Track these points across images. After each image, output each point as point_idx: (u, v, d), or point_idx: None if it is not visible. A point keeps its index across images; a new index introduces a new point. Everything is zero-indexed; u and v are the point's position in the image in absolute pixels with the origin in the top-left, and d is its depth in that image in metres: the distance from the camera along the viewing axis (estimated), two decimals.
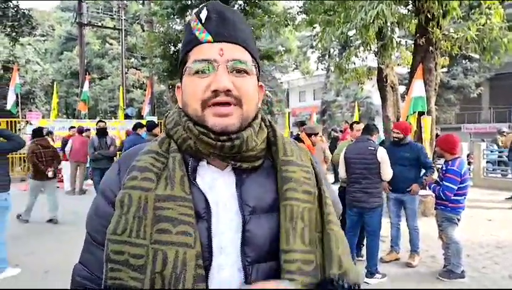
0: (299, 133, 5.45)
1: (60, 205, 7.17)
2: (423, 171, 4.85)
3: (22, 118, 13.38)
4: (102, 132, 8.78)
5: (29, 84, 23.72)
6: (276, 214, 0.79)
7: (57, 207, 7.01)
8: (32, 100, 24.28)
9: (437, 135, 8.16)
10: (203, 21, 0.81)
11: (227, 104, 0.78)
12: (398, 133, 4.81)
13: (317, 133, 4.99)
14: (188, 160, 0.81)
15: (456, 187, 4.12)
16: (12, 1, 13.90)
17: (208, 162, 0.82)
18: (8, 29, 14.24)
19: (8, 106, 13.29)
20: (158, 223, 0.73)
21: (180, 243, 0.71)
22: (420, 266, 4.72)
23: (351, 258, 0.83)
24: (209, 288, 0.74)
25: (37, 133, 7.07)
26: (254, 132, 0.82)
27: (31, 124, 12.36)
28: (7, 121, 12.13)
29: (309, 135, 4.92)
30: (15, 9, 14.08)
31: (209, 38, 0.79)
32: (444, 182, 4.17)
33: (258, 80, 0.87)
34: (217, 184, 0.81)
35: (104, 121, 9.56)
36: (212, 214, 0.77)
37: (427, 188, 4.53)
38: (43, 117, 14.73)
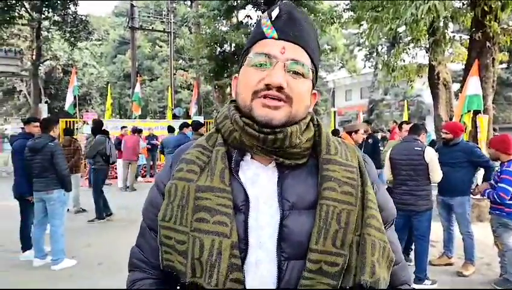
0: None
1: (113, 201, 7.60)
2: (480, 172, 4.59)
3: (80, 118, 14.23)
4: (94, 130, 8.02)
5: (86, 86, 25.24)
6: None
7: (75, 200, 7.69)
8: (88, 101, 25.83)
9: (494, 135, 7.67)
10: (273, 18, 0.83)
11: (277, 99, 0.79)
12: (446, 133, 4.59)
13: (358, 130, 4.80)
14: (232, 153, 0.84)
15: None
16: (71, 8, 14.84)
17: (252, 157, 0.84)
18: (68, 35, 15.24)
19: (66, 107, 14.19)
20: (197, 213, 0.77)
21: (216, 232, 0.74)
22: (474, 273, 4.46)
23: (388, 268, 0.80)
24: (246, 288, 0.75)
25: (65, 132, 7.79)
26: (299, 129, 0.82)
27: (87, 124, 13.13)
28: (66, 121, 12.96)
29: (349, 133, 4.75)
30: (73, 16, 15.04)
31: (275, 34, 0.82)
32: (499, 184, 3.91)
33: (314, 86, 0.88)
34: (260, 179, 0.82)
35: (97, 120, 8.45)
36: (251, 207, 0.79)
37: (484, 195, 4.24)
38: (98, 117, 15.59)
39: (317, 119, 0.91)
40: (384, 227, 0.84)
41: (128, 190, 10.61)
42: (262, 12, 14.72)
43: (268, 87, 0.78)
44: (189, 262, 0.75)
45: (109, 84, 19.12)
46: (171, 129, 10.21)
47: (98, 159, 7.24)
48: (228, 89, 15.76)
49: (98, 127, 7.92)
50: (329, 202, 0.77)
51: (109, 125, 13.36)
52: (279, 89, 0.78)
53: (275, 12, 0.83)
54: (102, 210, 7.16)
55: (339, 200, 0.78)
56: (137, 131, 11.13)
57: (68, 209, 7.04)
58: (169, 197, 0.81)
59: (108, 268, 4.66)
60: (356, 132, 4.71)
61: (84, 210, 7.85)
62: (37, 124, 5.12)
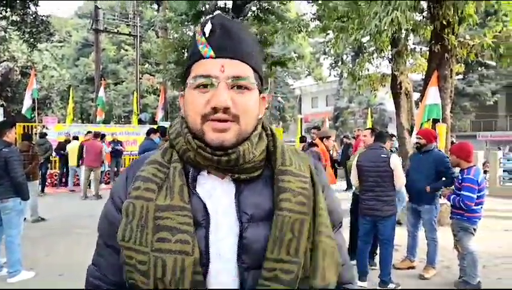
0: (313, 138, 5.42)
1: (75, 209, 7.29)
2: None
3: (39, 122, 13.62)
4: None
5: (46, 89, 24.19)
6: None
7: (33, 208, 7.20)
8: (48, 105, 24.74)
9: (452, 143, 8.04)
10: (206, 35, 0.82)
11: (225, 120, 0.79)
12: (419, 138, 4.78)
13: (330, 137, 4.97)
14: (188, 169, 0.84)
15: (475, 196, 4.04)
16: (31, 8, 14.23)
17: (208, 172, 0.84)
18: (27, 36, 14.58)
19: (23, 110, 13.53)
20: (158, 232, 0.76)
21: (178, 251, 0.74)
22: (435, 276, 4.63)
23: (336, 271, 0.85)
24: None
25: (23, 137, 7.38)
26: (251, 145, 0.83)
27: (47, 128, 12.58)
28: (24, 126, 12.35)
29: (321, 139, 4.92)
30: (33, 16, 14.43)
31: (211, 53, 0.81)
32: (462, 191, 4.09)
33: (261, 92, 0.88)
34: (217, 193, 0.83)
35: None
36: (211, 221, 0.80)
37: (447, 199, 4.42)
38: (58, 122, 14.99)
39: (270, 128, 0.92)
40: (333, 230, 0.88)
41: (93, 198, 10.18)
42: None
43: (215, 110, 0.78)
44: (152, 282, 0.74)
45: (71, 88, 18.44)
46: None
47: None
48: None
49: None
50: (285, 212, 0.79)
51: (71, 130, 12.90)
52: (226, 109, 0.78)
53: (208, 28, 0.82)
54: None
55: (293, 211, 0.80)
56: (100, 136, 10.79)
57: (25, 219, 6.70)
58: (128, 217, 0.79)
59: (69, 279, 4.45)
60: (328, 138, 4.85)
61: (42, 219, 7.50)
62: None
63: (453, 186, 4.37)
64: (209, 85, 0.80)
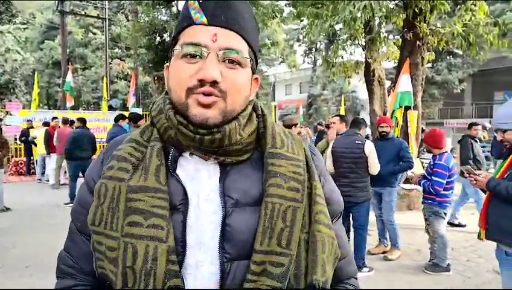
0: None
1: (43, 198, 7.04)
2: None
3: (2, 108, 12.98)
4: None
5: (9, 73, 23.06)
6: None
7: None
8: (12, 90, 23.63)
9: (422, 130, 8.24)
10: (200, 0, 0.74)
11: (211, 94, 0.72)
12: (386, 126, 4.87)
13: (296, 124, 4.92)
14: (169, 150, 0.77)
15: (444, 181, 4.15)
16: None
17: (191, 153, 0.78)
18: None
19: None
20: (129, 216, 0.70)
21: (151, 236, 0.68)
22: (406, 259, 4.76)
23: (334, 264, 0.79)
24: (185, 288, 0.70)
25: None
26: (239, 125, 0.76)
27: (11, 114, 12.01)
28: None
29: (289, 127, 4.84)
30: None
31: (204, 20, 0.73)
32: (432, 177, 4.20)
33: (254, 72, 0.81)
34: (200, 175, 0.76)
35: None
36: (190, 206, 0.73)
37: (418, 183, 4.54)
38: (23, 108, 14.34)
39: (261, 108, 0.85)
40: (332, 221, 0.82)
41: (56, 187, 9.78)
42: None
43: (201, 83, 0.71)
44: (120, 270, 0.68)
45: (36, 72, 17.61)
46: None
47: None
48: None
49: None
50: (275, 199, 0.73)
51: (37, 116, 12.36)
52: (214, 83, 0.71)
53: None
54: None
55: (285, 197, 0.73)
56: (69, 122, 10.33)
57: None
58: (99, 199, 0.73)
59: (36, 271, 4.29)
60: (295, 125, 4.80)
61: (8, 209, 7.18)
62: None
63: (425, 171, 4.48)
64: (198, 55, 0.72)
